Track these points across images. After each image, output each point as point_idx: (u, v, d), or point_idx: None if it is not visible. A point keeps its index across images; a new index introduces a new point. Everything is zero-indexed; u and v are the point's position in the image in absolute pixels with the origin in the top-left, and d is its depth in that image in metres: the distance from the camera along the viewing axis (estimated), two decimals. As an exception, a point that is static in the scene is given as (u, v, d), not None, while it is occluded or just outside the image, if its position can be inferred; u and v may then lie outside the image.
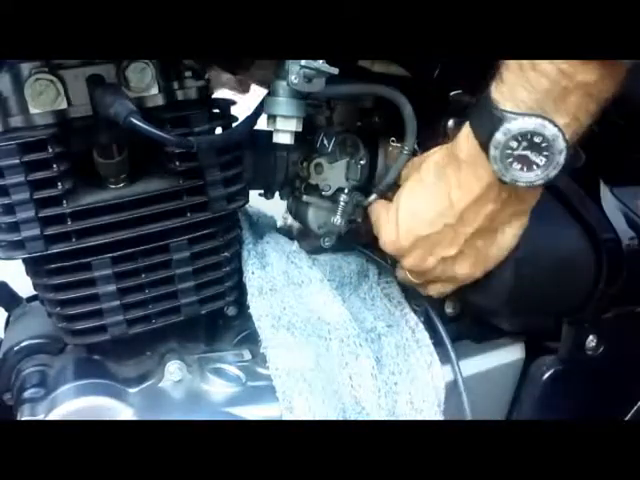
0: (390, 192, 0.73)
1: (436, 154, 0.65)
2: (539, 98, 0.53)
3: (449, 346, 0.74)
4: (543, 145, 0.54)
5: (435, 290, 0.71)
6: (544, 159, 0.55)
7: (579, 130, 0.55)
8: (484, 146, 0.56)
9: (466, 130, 0.59)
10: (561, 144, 0.54)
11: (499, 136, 0.55)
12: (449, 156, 0.62)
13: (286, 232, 0.87)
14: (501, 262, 0.66)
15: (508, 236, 0.64)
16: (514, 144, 0.55)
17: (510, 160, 0.55)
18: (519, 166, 0.55)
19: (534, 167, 0.55)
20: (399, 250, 0.68)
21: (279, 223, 0.90)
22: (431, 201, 0.64)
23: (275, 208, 0.94)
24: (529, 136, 0.54)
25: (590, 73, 0.51)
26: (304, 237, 0.83)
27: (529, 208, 0.63)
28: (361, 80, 0.71)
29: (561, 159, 0.54)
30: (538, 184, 0.56)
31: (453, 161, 0.61)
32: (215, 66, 0.74)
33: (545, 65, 0.52)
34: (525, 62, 0.52)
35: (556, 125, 0.53)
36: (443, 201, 0.62)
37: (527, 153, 0.55)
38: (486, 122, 0.56)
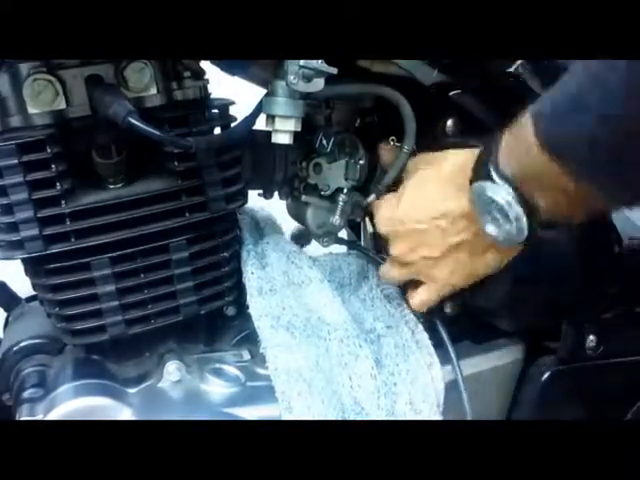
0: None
1: (460, 157, 0.65)
2: (523, 176, 0.54)
3: (450, 347, 0.74)
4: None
5: (418, 298, 0.72)
6: (503, 221, 0.56)
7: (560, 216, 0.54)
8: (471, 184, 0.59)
9: (472, 156, 0.60)
10: (515, 211, 0.54)
11: (476, 188, 0.57)
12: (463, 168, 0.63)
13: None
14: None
15: (495, 258, 0.65)
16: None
17: (486, 210, 0.57)
18: (489, 218, 0.57)
19: (497, 225, 0.57)
20: (390, 231, 0.69)
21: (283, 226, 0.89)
22: (434, 198, 0.65)
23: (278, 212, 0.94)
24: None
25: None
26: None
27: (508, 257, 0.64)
28: (360, 80, 0.71)
29: (520, 225, 0.55)
30: (501, 242, 0.58)
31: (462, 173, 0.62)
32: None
33: (534, 150, 0.50)
34: (521, 139, 0.52)
35: (516, 197, 0.54)
36: (443, 203, 0.64)
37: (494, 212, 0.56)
38: (479, 170, 0.58)
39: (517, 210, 0.54)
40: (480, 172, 0.57)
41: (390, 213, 0.69)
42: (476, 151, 0.61)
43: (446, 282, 0.68)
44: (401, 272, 0.72)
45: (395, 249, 0.70)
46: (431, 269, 0.68)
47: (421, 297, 0.71)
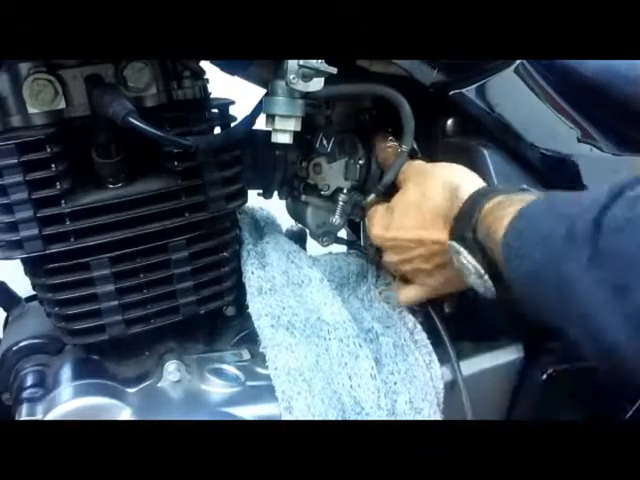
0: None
1: (445, 172, 0.67)
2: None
3: (449, 346, 0.74)
4: None
5: (405, 295, 0.76)
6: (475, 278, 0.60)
7: None
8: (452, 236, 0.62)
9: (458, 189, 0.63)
10: (481, 277, 0.59)
11: (452, 246, 0.61)
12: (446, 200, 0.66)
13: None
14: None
15: None
16: None
17: (462, 267, 0.60)
18: (465, 273, 0.60)
19: (472, 280, 0.60)
20: (383, 246, 0.73)
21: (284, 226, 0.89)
22: (415, 225, 0.68)
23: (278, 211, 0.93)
24: None
25: None
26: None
27: None
28: (360, 80, 0.71)
29: (488, 287, 0.59)
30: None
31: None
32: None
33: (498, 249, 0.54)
34: (495, 227, 0.55)
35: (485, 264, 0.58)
36: (419, 232, 0.68)
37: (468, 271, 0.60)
38: (459, 226, 0.61)
39: (484, 277, 0.58)
40: (459, 228, 0.61)
41: (381, 232, 0.72)
42: (464, 176, 0.65)
43: (439, 289, 0.72)
44: (398, 273, 0.75)
45: (388, 258, 0.74)
46: (425, 278, 0.72)
47: (408, 294, 0.75)
